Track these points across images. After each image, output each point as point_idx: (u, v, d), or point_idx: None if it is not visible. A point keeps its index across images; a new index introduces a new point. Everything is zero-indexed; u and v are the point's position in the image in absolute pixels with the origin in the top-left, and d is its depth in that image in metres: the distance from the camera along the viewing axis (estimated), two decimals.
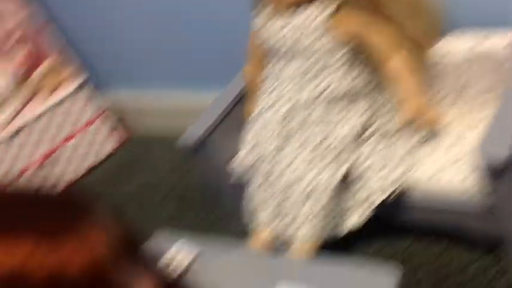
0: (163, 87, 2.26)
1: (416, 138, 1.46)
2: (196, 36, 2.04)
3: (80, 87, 2.22)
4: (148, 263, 0.58)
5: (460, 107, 1.53)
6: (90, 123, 2.27)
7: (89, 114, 2.26)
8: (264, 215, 1.50)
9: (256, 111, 1.56)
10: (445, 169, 1.37)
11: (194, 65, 2.12)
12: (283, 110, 1.47)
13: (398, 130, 1.48)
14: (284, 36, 1.44)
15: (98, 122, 2.29)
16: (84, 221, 0.49)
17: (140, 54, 2.22)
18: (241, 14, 1.64)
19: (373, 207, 1.39)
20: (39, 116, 2.15)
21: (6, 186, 0.53)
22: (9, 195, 0.51)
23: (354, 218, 1.45)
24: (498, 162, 1.16)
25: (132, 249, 0.56)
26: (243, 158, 1.57)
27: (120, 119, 2.41)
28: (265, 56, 1.53)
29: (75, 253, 0.46)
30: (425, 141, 1.47)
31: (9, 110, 2.15)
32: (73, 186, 2.30)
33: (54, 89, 2.21)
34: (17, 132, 2.12)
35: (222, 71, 1.91)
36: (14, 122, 2.14)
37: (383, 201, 1.39)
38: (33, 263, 0.44)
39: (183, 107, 2.19)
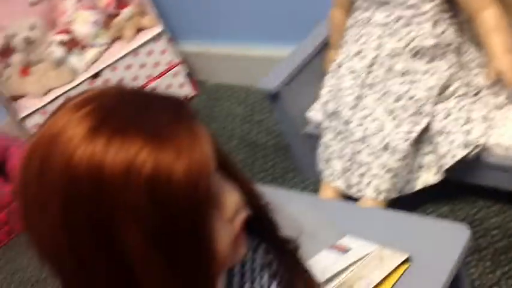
0: (237, 39, 2.27)
1: (503, 96, 1.41)
2: None
3: (159, 35, 2.26)
4: (238, 177, 0.60)
5: None
6: (167, 70, 2.32)
7: (166, 61, 2.31)
8: (338, 165, 1.50)
9: (339, 58, 1.54)
10: None
11: (269, 18, 2.11)
12: (369, 58, 1.45)
13: (485, 86, 1.43)
14: None
15: (173, 70, 2.33)
16: (189, 128, 0.51)
17: (214, 7, 2.24)
18: None
19: (453, 162, 1.36)
20: (121, 58, 2.21)
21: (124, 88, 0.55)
22: (129, 92, 0.54)
23: (430, 175, 1.43)
24: None
25: (225, 163, 0.58)
26: (321, 105, 1.57)
27: (194, 70, 2.45)
28: (353, 1, 1.51)
29: (179, 156, 0.48)
30: None
31: (92, 52, 2.23)
32: None
33: (134, 35, 2.26)
34: (100, 73, 2.20)
35: (295, 26, 1.90)
36: (96, 63, 2.22)
37: (462, 158, 1.35)
38: (141, 159, 0.47)
39: (256, 60, 2.20)
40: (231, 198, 0.55)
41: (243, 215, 0.56)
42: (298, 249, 0.71)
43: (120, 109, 0.50)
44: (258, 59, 2.21)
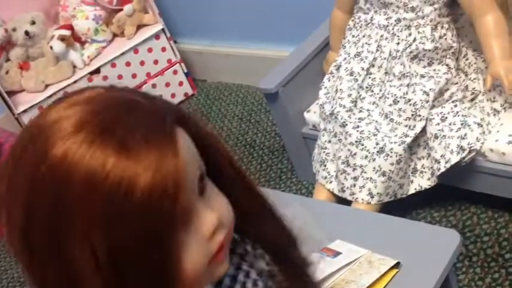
0: (237, 39, 2.27)
1: (499, 101, 1.41)
2: None
3: (159, 33, 2.26)
4: (213, 199, 0.55)
5: None
6: (166, 68, 2.32)
7: (165, 59, 2.31)
8: (333, 167, 1.50)
9: (338, 60, 1.54)
10: None
11: (269, 18, 2.11)
12: (368, 60, 1.45)
13: (482, 92, 1.43)
14: None
15: (173, 68, 2.33)
16: (163, 141, 0.48)
17: (214, 6, 2.24)
18: None
19: (447, 167, 1.36)
20: (121, 55, 2.21)
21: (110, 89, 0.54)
22: (117, 97, 0.53)
23: (424, 179, 1.43)
24: None
25: (228, 165, 0.56)
26: (319, 107, 1.57)
27: (193, 68, 2.45)
28: (355, 3, 1.51)
29: (145, 169, 0.46)
30: (509, 105, 1.41)
31: (92, 48, 2.23)
32: None
33: (135, 32, 2.26)
34: (99, 69, 2.20)
35: (296, 26, 1.90)
36: (96, 59, 2.22)
37: (456, 163, 1.35)
38: (106, 168, 0.45)
39: (256, 59, 2.20)
40: (210, 216, 0.51)
41: (224, 232, 0.52)
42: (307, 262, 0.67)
43: (103, 113, 0.49)
44: (258, 58, 2.21)
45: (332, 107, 1.50)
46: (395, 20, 1.43)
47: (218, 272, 0.54)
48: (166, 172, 0.46)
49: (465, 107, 1.42)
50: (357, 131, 1.43)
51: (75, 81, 2.15)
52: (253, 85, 2.18)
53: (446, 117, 1.39)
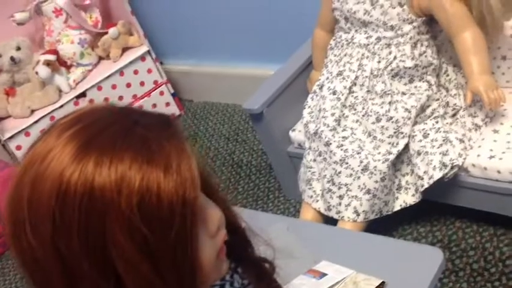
0: (222, 59, 2.28)
1: (480, 116, 1.43)
2: (257, 10, 2.05)
3: (145, 54, 2.28)
4: (217, 198, 0.61)
5: None
6: (153, 89, 2.33)
7: (152, 81, 2.32)
8: (318, 186, 1.51)
9: (321, 79, 1.56)
10: (508, 149, 1.34)
11: (254, 37, 2.13)
12: (350, 79, 1.47)
13: (462, 107, 1.45)
14: (355, 6, 1.43)
15: (159, 89, 2.34)
16: (177, 145, 0.52)
17: (199, 27, 2.26)
18: None
19: (430, 183, 1.37)
20: (107, 78, 2.22)
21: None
22: (116, 111, 0.56)
23: (408, 196, 1.44)
24: None
25: (206, 184, 0.60)
26: (303, 126, 1.58)
27: (179, 89, 2.46)
28: (336, 22, 1.53)
29: (167, 172, 0.50)
30: (490, 120, 1.43)
31: (78, 72, 2.24)
32: None
33: (120, 54, 2.27)
34: (85, 92, 2.20)
35: (280, 45, 1.92)
36: (82, 83, 2.23)
37: (439, 179, 1.36)
38: (130, 176, 0.49)
39: (241, 78, 2.21)
40: (215, 215, 0.57)
41: (224, 231, 0.58)
42: (274, 272, 0.72)
43: (107, 127, 0.52)
44: (244, 77, 2.22)
45: (316, 126, 1.51)
46: (375, 39, 1.44)
47: (222, 270, 0.60)
48: (187, 173, 0.51)
49: (447, 123, 1.44)
50: (341, 149, 1.44)
51: (61, 106, 2.15)
52: (240, 104, 2.19)
53: (428, 134, 1.41)
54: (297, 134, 1.66)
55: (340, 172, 1.44)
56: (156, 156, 0.50)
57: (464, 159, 1.37)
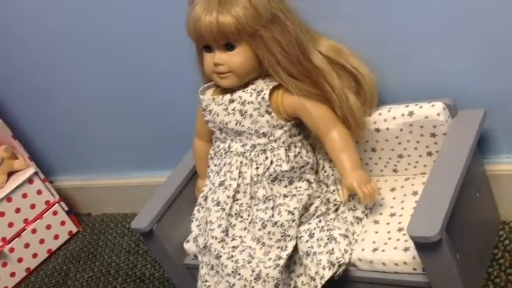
0: (115, 170, 2.26)
1: (360, 209, 1.47)
2: (140, 120, 2.06)
3: (32, 176, 2.22)
4: None
5: (401, 174, 1.55)
6: (45, 210, 2.25)
7: (43, 201, 2.25)
8: None
9: (205, 190, 1.56)
10: (389, 239, 1.38)
11: (143, 148, 2.13)
12: (232, 188, 1.48)
13: (342, 202, 1.49)
14: (227, 117, 1.46)
15: (52, 209, 2.27)
16: None
17: (85, 145, 2.24)
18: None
19: (323, 283, 1.38)
20: None
21: None
22: None
23: None
24: (428, 240, 1.17)
25: None
26: (193, 239, 1.56)
27: (75, 204, 2.40)
28: (212, 133, 1.55)
29: None
30: (370, 211, 1.48)
31: None
32: (32, 274, 2.26)
33: (6, 180, 2.20)
34: None
35: (172, 153, 1.93)
36: None
37: (331, 277, 1.38)
38: None
39: (137, 187, 2.19)
40: None
41: None
42: None
43: None
44: (139, 186, 2.20)
45: (205, 240, 1.50)
46: (250, 146, 1.47)
47: None
48: None
49: (330, 218, 1.47)
50: (232, 261, 1.43)
51: None
52: (137, 212, 2.15)
53: (313, 233, 1.43)
54: (191, 246, 1.64)
55: (234, 284, 1.42)
56: None
57: (351, 254, 1.40)
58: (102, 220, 2.35)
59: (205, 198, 1.55)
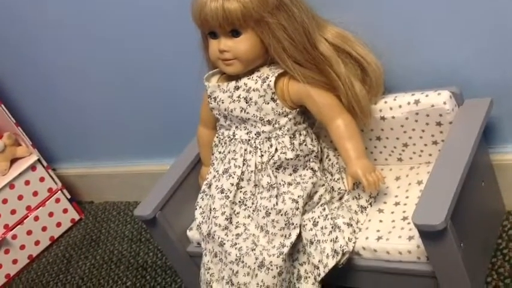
0: (118, 157, 2.26)
1: (364, 198, 1.47)
2: (143, 108, 2.05)
3: (35, 163, 2.21)
4: None
5: (406, 162, 1.55)
6: (48, 198, 2.25)
7: (46, 189, 2.25)
8: (218, 287, 1.48)
9: (209, 177, 1.56)
10: (393, 228, 1.38)
11: (147, 136, 2.13)
12: (236, 175, 1.47)
13: (346, 191, 1.48)
14: (231, 104, 1.46)
15: (55, 196, 2.27)
16: None
17: (89, 129, 2.23)
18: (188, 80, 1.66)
19: (326, 271, 1.38)
20: None
21: None
22: None
23: (309, 285, 1.44)
24: (433, 229, 1.17)
25: None
26: (197, 227, 1.56)
27: (78, 192, 2.39)
28: (216, 120, 1.54)
29: None
30: (374, 200, 1.47)
31: None
32: (35, 261, 2.26)
33: (9, 167, 2.20)
34: None
35: (175, 141, 1.92)
36: None
37: (335, 265, 1.37)
38: None
39: (140, 174, 2.19)
40: None
41: None
42: None
43: None
44: (142, 174, 2.19)
45: (208, 227, 1.49)
46: (255, 134, 1.47)
47: None
48: None
49: (335, 207, 1.47)
50: (235, 248, 1.43)
51: None
52: (141, 201, 2.15)
53: (317, 222, 1.43)
54: (195, 233, 1.64)
55: (237, 272, 1.42)
56: None
57: (354, 243, 1.39)
58: (105, 208, 2.35)
59: (209, 186, 1.55)
